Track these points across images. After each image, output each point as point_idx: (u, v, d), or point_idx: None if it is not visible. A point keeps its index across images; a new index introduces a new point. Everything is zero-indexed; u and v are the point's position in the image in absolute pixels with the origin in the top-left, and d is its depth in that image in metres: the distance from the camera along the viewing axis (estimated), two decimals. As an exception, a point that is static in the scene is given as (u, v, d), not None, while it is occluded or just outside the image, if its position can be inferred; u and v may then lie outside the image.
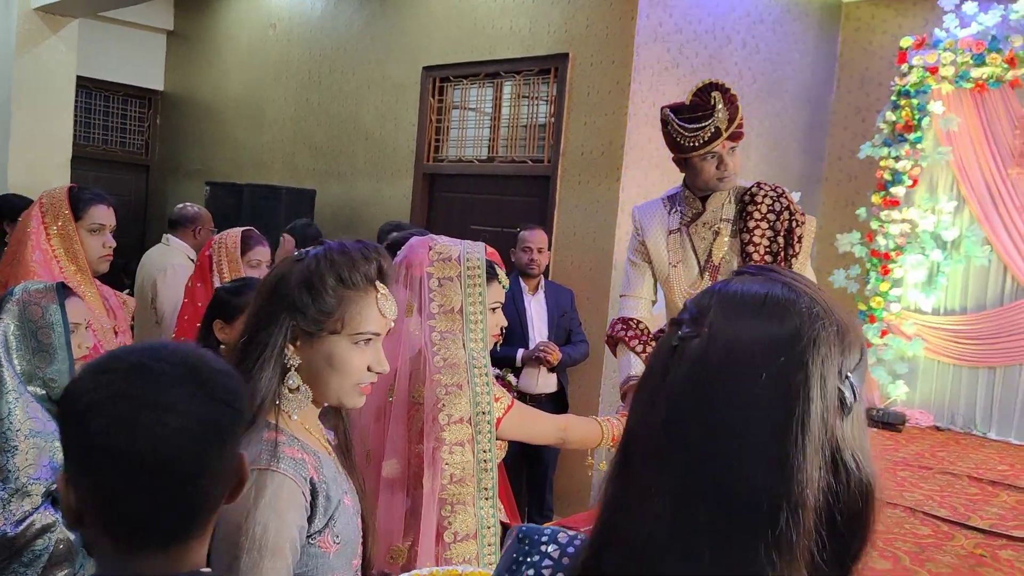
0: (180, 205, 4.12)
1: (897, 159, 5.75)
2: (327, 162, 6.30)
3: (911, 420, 5.55)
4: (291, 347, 1.27)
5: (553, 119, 4.80)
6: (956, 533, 3.42)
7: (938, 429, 5.58)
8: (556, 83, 4.79)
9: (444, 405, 1.74)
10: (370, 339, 1.31)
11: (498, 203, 5.21)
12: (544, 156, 4.89)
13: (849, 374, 0.68)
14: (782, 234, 2.42)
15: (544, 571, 0.80)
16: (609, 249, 4.49)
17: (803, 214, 2.46)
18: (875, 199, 5.83)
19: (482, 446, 1.77)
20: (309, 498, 1.21)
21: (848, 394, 0.68)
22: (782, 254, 2.42)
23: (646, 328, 2.61)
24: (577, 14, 4.68)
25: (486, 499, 1.77)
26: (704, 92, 2.37)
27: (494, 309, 1.88)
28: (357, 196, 6.01)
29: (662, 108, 2.48)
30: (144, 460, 0.83)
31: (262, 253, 2.93)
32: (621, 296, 2.71)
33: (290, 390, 1.27)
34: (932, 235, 5.78)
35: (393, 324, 1.33)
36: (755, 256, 2.42)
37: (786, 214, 2.42)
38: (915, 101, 5.72)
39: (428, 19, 5.51)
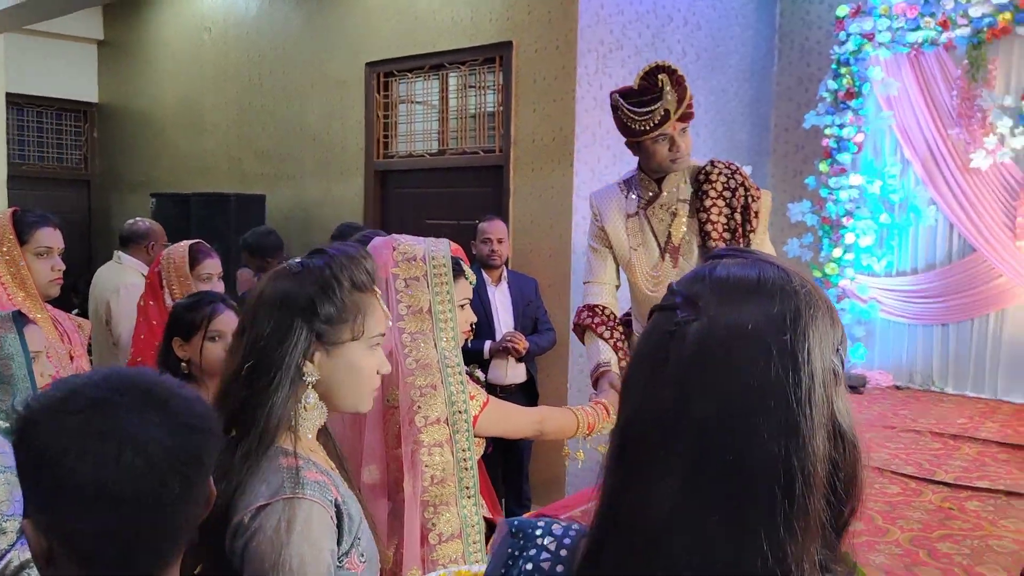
0: (131, 221, 3.98)
1: (841, 126, 5.85)
2: (275, 165, 6.19)
3: (871, 381, 5.68)
4: (308, 363, 1.21)
5: (501, 108, 4.78)
6: (924, 489, 3.51)
7: (898, 388, 5.72)
8: (502, 72, 4.76)
9: (420, 407, 1.72)
10: (379, 341, 1.30)
11: (452, 196, 5.17)
12: (495, 146, 4.86)
13: (839, 348, 0.71)
14: (739, 211, 2.43)
15: (543, 564, 0.78)
16: (567, 235, 4.49)
17: (758, 189, 2.48)
18: (823, 167, 5.93)
19: (461, 445, 1.76)
20: (335, 520, 1.16)
21: (839, 368, 0.71)
22: (740, 230, 2.43)
23: (612, 314, 2.62)
24: (518, 2, 4.65)
25: (468, 498, 1.77)
26: (651, 75, 2.37)
27: (463, 306, 1.86)
28: (308, 198, 5.92)
29: (611, 93, 2.48)
30: (114, 496, 0.81)
31: (212, 266, 2.85)
32: (585, 283, 2.70)
33: (307, 408, 1.23)
34: (880, 198, 5.90)
35: (391, 323, 1.33)
36: (713, 234, 2.43)
37: (741, 190, 2.43)
38: (855, 68, 5.82)
39: (368, 14, 5.43)
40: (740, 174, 2.47)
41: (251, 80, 6.32)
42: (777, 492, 0.65)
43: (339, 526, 1.16)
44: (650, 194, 2.53)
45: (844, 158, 5.87)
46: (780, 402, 0.67)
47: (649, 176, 2.52)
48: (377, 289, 1.30)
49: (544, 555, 0.79)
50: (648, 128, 2.37)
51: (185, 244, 2.81)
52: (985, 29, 5.44)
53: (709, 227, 2.43)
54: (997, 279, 5.62)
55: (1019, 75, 5.51)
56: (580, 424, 2.09)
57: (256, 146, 6.33)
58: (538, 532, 0.81)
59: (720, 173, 2.46)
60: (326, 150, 5.81)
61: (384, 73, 5.42)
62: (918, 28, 5.61)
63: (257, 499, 1.11)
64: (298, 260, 1.27)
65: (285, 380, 1.18)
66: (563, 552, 0.79)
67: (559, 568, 0.78)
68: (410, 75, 5.32)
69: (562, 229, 4.51)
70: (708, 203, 2.44)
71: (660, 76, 2.36)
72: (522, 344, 3.80)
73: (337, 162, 5.74)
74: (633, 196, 2.56)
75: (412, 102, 5.40)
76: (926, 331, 5.82)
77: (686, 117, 2.40)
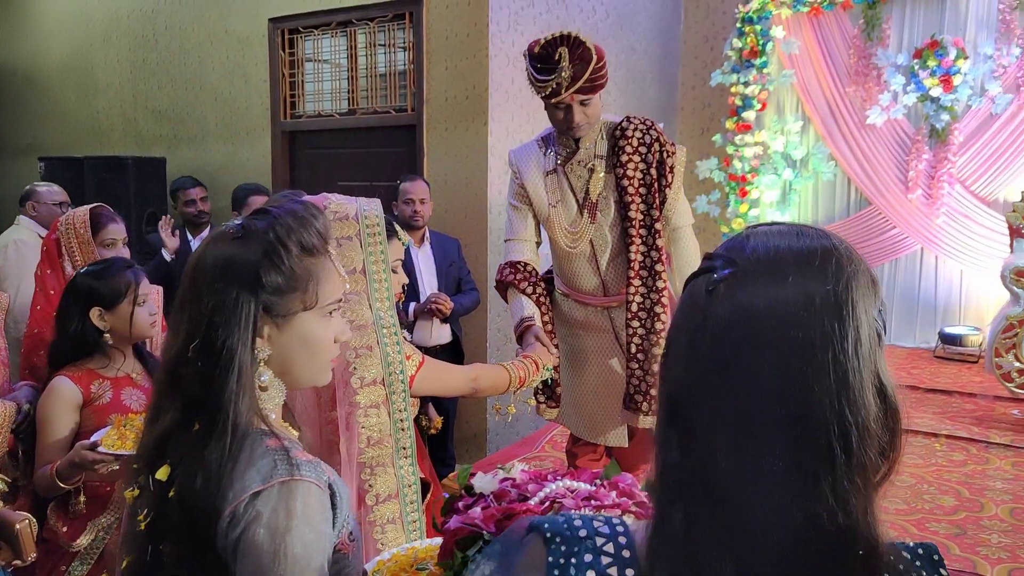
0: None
1: (746, 84, 5.99)
2: (174, 127, 5.91)
3: (777, 331, 5.91)
4: (258, 339, 1.09)
5: (413, 66, 4.68)
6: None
7: (801, 337, 5.97)
8: (412, 28, 4.65)
9: (355, 368, 1.70)
10: (337, 308, 1.18)
11: (364, 156, 5.06)
12: (407, 105, 4.77)
13: (880, 309, 0.72)
14: (654, 166, 2.46)
15: (610, 571, 0.72)
16: (483, 194, 4.46)
17: (673, 144, 2.52)
18: (729, 124, 6.07)
19: (397, 406, 1.75)
20: (330, 502, 1.08)
21: (881, 329, 0.72)
22: (655, 185, 2.46)
23: (534, 270, 2.63)
24: (427, -45, 4.54)
25: (404, 458, 1.76)
26: (551, 46, 2.30)
27: (394, 269, 1.83)
28: (212, 161, 5.68)
29: (528, 46, 2.44)
30: None
31: (116, 231, 2.70)
32: (506, 241, 2.70)
33: (262, 388, 1.11)
34: (783, 155, 6.10)
35: (348, 287, 1.22)
36: (630, 189, 2.46)
37: (656, 145, 2.46)
38: (758, 27, 5.95)
39: (269, -33, 5.20)
40: (655, 130, 2.50)
41: (144, 35, 5.98)
42: (836, 445, 0.66)
43: (333, 507, 1.08)
44: (568, 151, 2.53)
45: (748, 115, 6.03)
46: (828, 354, 0.66)
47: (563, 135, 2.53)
48: (331, 250, 1.18)
49: (604, 560, 0.72)
50: (544, 95, 2.37)
51: (85, 209, 2.66)
52: (880, -11, 5.64)
53: (626, 182, 2.45)
54: (891, 230, 5.92)
55: (911, 34, 5.76)
56: (512, 379, 2.10)
57: (153, 106, 6.02)
58: (581, 533, 0.74)
59: (636, 129, 2.48)
60: (229, 110, 5.58)
61: (288, 30, 5.22)
62: (818, -13, 5.77)
63: (249, 486, 1.00)
64: (238, 222, 1.13)
65: (237, 361, 1.05)
66: (625, 553, 0.73)
67: (629, 573, 0.72)
68: (316, 32, 5.14)
69: (478, 188, 4.48)
70: (624, 159, 2.46)
71: (560, 49, 2.29)
72: (447, 305, 3.78)
73: (241, 123, 5.52)
74: (551, 153, 2.56)
75: (319, 61, 5.22)
76: (826, 282, 6.09)
77: (587, 90, 2.35)
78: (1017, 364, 4.07)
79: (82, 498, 2.04)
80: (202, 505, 1.00)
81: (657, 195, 2.46)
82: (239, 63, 5.46)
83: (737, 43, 6.01)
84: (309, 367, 1.15)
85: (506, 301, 2.68)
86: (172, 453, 1.04)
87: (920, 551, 0.76)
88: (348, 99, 5.10)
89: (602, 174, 2.50)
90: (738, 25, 6.02)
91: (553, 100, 2.35)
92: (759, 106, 6.04)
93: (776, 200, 6.17)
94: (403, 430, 1.76)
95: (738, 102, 6.06)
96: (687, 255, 2.57)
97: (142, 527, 1.04)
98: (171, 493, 1.02)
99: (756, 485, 0.66)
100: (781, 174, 6.11)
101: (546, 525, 0.75)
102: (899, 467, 0.71)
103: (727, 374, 0.68)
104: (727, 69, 6.07)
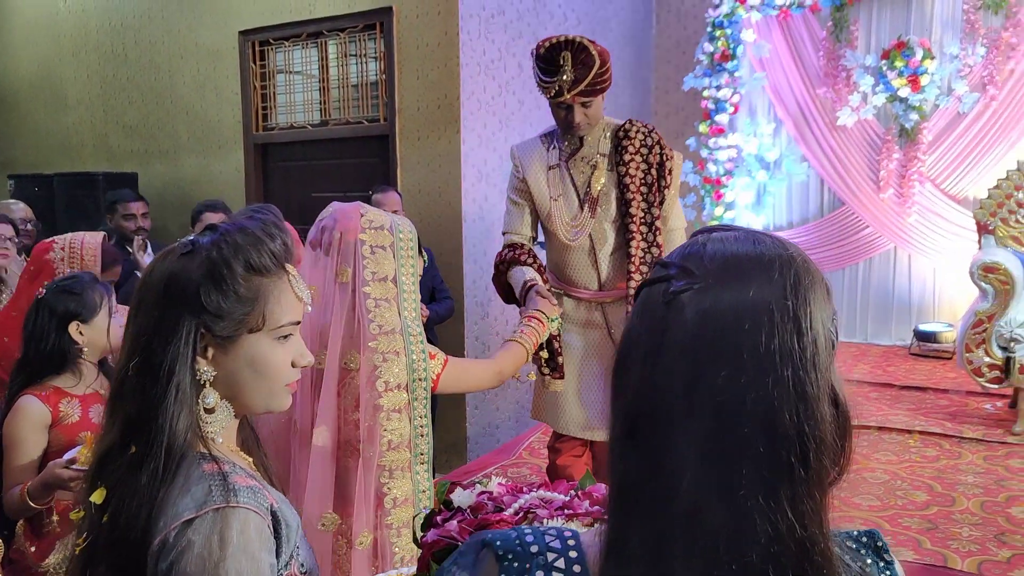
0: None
1: (718, 88, 6.04)
2: (146, 141, 5.87)
3: (754, 332, 5.94)
4: (201, 359, 1.05)
5: (384, 76, 4.68)
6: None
7: (778, 337, 6.01)
8: (383, 39, 4.65)
9: (381, 372, 1.74)
10: (292, 331, 1.12)
11: (338, 167, 5.05)
12: (380, 115, 4.76)
13: (834, 318, 0.72)
14: (655, 167, 2.58)
15: None
16: (456, 203, 4.46)
17: (671, 150, 2.64)
18: (702, 128, 6.11)
19: (418, 412, 1.80)
20: (272, 529, 1.02)
21: (835, 337, 0.71)
22: (655, 185, 2.58)
23: (532, 250, 2.68)
24: (396, -35, 4.54)
25: (421, 464, 1.82)
26: (554, 49, 2.42)
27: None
28: (184, 175, 5.65)
29: (536, 46, 2.53)
30: None
31: (117, 274, 2.75)
32: (504, 234, 2.77)
33: (207, 410, 1.06)
34: (756, 157, 6.14)
35: (310, 308, 1.18)
36: (631, 187, 2.57)
37: (657, 148, 2.59)
38: (729, 31, 6.00)
39: (238, -21, 5.18)
40: (656, 134, 2.63)
41: (114, 50, 5.94)
42: (794, 461, 0.65)
43: (276, 535, 1.02)
44: (572, 147, 2.64)
45: (721, 118, 6.07)
46: (788, 367, 0.66)
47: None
48: (290, 269, 1.12)
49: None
50: (549, 96, 2.49)
51: (95, 241, 2.61)
52: (846, -8, 5.71)
53: (628, 180, 2.56)
54: (864, 230, 5.98)
55: (879, 36, 5.83)
56: (528, 349, 2.17)
57: (124, 121, 5.98)
58: (533, 549, 0.73)
59: (638, 131, 2.61)
60: (201, 123, 5.55)
61: (259, 42, 5.20)
62: (785, -9, 5.83)
63: (181, 513, 0.96)
64: (190, 238, 1.09)
65: (175, 382, 1.01)
66: (576, 568, 0.72)
67: None
68: (287, 43, 5.13)
69: (451, 197, 4.48)
70: (627, 157, 2.57)
71: (563, 54, 2.41)
72: (423, 314, 3.78)
73: (213, 136, 5.49)
74: (555, 148, 2.67)
75: (290, 72, 5.21)
76: (802, 282, 6.14)
77: (588, 93, 2.46)
78: (987, 359, 4.12)
79: (55, 517, 2.02)
80: (132, 532, 0.97)
81: (657, 194, 2.58)
82: (210, 76, 5.44)
83: (708, 47, 6.06)
84: (260, 391, 1.10)
85: (501, 295, 2.71)
86: (108, 476, 1.01)
87: (864, 538, 0.78)
88: (320, 110, 5.08)
89: (605, 170, 2.61)
90: (709, 29, 6.07)
91: (556, 100, 2.47)
92: (732, 109, 6.09)
93: (751, 202, 6.22)
94: (422, 435, 1.81)
95: (711, 105, 6.11)
96: None
97: (78, 551, 1.02)
98: (104, 517, 1.00)
99: (724, 502, 0.65)
100: (755, 176, 6.16)
101: (498, 542, 0.74)
102: (849, 470, 0.72)
103: (692, 390, 0.67)
104: (699, 73, 6.12)
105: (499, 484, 1.42)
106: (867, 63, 5.72)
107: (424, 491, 1.81)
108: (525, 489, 1.42)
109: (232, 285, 1.04)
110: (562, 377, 2.62)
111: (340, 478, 1.76)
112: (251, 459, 1.16)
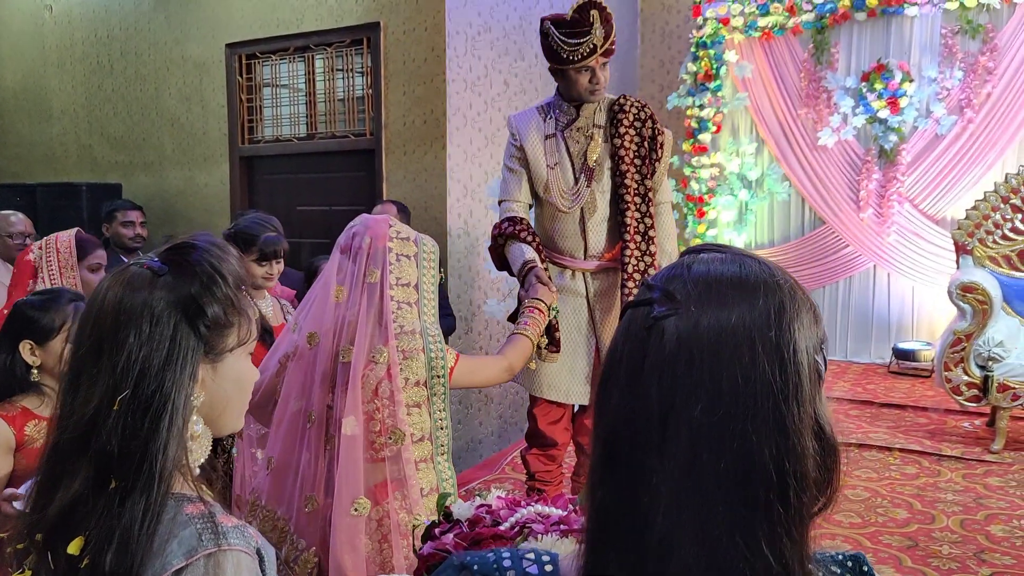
0: None
1: (701, 107, 6.11)
2: (130, 153, 5.85)
3: (736, 349, 5.98)
4: (194, 384, 0.99)
5: (371, 91, 4.70)
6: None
7: (759, 354, 6.05)
8: (370, 53, 4.68)
9: (402, 368, 1.87)
10: (252, 349, 1.08)
11: (324, 181, 5.05)
12: (366, 129, 4.78)
13: (821, 346, 0.70)
14: (647, 140, 2.70)
15: None
16: (443, 218, 4.48)
17: (663, 126, 2.77)
18: (685, 147, 6.18)
19: (437, 407, 1.93)
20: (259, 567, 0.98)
21: (822, 367, 0.70)
22: (648, 158, 2.70)
23: (531, 225, 2.77)
24: (384, -19, 4.58)
25: (442, 455, 1.94)
26: (584, 9, 2.55)
27: None
28: (169, 187, 5.64)
29: (543, 20, 2.65)
30: None
31: (102, 256, 2.76)
32: (500, 202, 2.85)
33: (193, 437, 1.00)
34: (738, 176, 6.21)
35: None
36: (626, 158, 2.68)
37: (650, 123, 2.72)
38: (712, 52, 6.09)
39: (226, -7, 5.20)
40: (648, 109, 2.76)
41: (99, 62, 5.93)
42: (773, 498, 0.63)
43: (262, 572, 0.99)
44: (568, 118, 2.73)
45: (704, 137, 6.15)
46: (769, 400, 0.64)
47: (568, 102, 2.73)
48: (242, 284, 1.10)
49: None
50: (576, 59, 2.57)
51: (69, 233, 2.69)
52: (827, 15, 5.81)
53: (622, 151, 2.68)
54: (844, 249, 6.05)
55: (859, 58, 5.92)
56: (533, 340, 2.28)
57: (108, 132, 5.96)
58: (510, 574, 0.72)
59: (632, 105, 2.74)
60: (186, 136, 5.54)
61: (246, 55, 5.21)
62: (768, 13, 5.93)
63: (171, 562, 0.90)
64: (154, 259, 1.02)
65: (171, 407, 0.95)
66: None
67: None
68: (274, 57, 5.14)
69: (437, 211, 4.50)
70: (622, 130, 2.69)
71: (592, 12, 2.54)
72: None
73: (199, 148, 5.49)
74: (551, 119, 2.76)
75: (277, 86, 5.22)
76: (783, 300, 6.19)
77: (608, 52, 2.61)
78: (966, 377, 4.17)
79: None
80: None
81: (648, 167, 2.70)
82: (196, 88, 5.44)
83: (692, 67, 6.14)
84: (239, 408, 1.07)
85: (497, 265, 2.82)
86: (84, 522, 0.92)
87: (849, 563, 0.77)
88: (306, 124, 5.09)
89: (600, 141, 2.71)
90: (693, 50, 6.16)
91: (584, 62, 2.56)
92: (714, 128, 6.16)
93: (733, 220, 6.28)
94: (442, 429, 1.93)
95: (694, 124, 6.19)
96: (667, 229, 2.83)
97: None
98: (83, 564, 0.90)
99: (697, 540, 0.63)
100: (737, 195, 6.23)
101: (476, 566, 0.73)
102: (836, 501, 0.70)
103: (667, 421, 0.65)
104: (683, 92, 6.19)
105: (498, 497, 1.47)
106: (847, 85, 5.82)
107: (447, 480, 1.92)
108: (523, 503, 1.44)
109: (226, 294, 1.02)
110: (558, 350, 2.63)
111: (371, 469, 1.86)
112: (212, 494, 1.08)
